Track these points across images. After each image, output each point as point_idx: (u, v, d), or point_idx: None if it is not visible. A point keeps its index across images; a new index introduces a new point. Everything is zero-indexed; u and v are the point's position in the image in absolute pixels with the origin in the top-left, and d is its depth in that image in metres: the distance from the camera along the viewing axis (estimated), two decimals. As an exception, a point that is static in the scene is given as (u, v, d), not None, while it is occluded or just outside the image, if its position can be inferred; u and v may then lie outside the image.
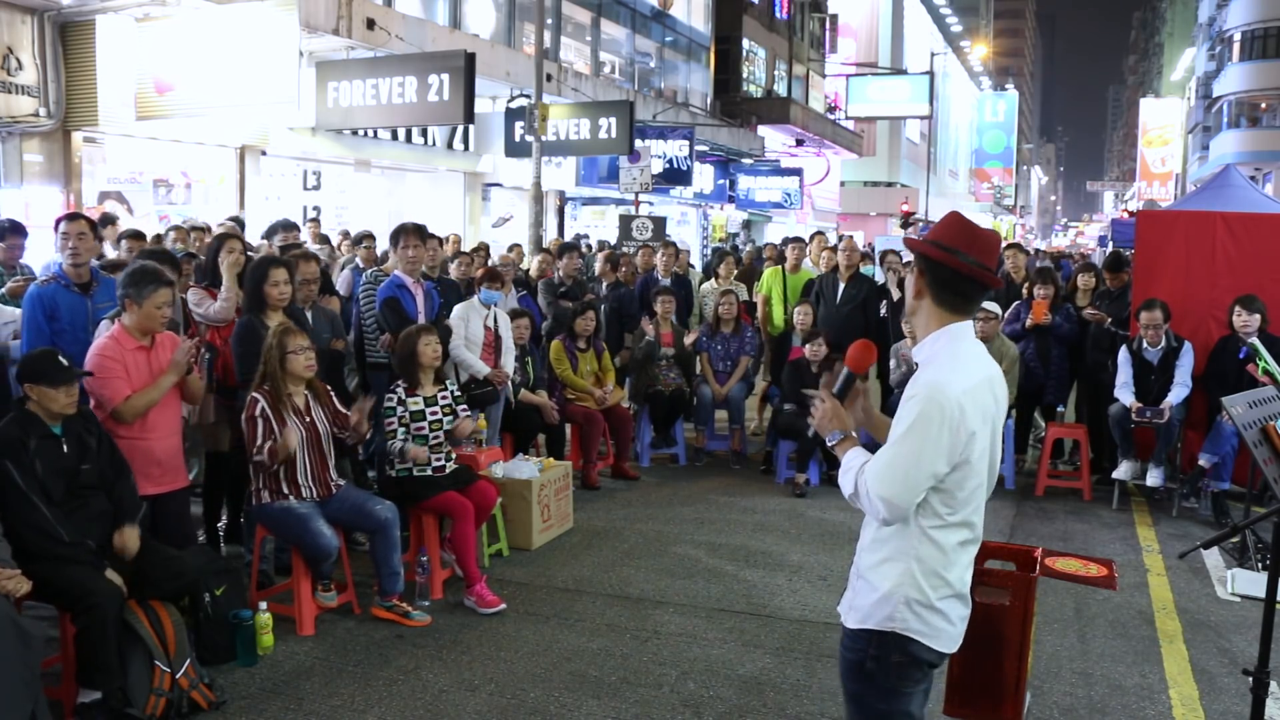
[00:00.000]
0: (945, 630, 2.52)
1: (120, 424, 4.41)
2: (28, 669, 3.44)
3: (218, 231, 7.28)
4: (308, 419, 4.88)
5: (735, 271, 10.02)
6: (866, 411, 2.76)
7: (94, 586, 3.82)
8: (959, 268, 2.48)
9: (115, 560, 4.02)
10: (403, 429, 5.33)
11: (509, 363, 6.98)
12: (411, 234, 6.31)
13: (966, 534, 2.53)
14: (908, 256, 14.53)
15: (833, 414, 2.64)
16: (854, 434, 2.64)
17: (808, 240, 10.95)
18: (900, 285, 8.89)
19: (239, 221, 9.23)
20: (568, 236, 18.53)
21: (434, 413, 5.43)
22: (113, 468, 4.19)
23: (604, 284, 9.27)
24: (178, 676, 3.92)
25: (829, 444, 2.67)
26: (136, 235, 7.11)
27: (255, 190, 13.48)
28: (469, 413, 5.63)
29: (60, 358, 4.03)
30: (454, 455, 5.58)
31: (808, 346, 7.82)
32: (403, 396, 5.38)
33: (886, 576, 2.52)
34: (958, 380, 2.42)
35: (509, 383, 6.95)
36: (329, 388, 5.10)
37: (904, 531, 2.50)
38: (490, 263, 9.38)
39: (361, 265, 7.63)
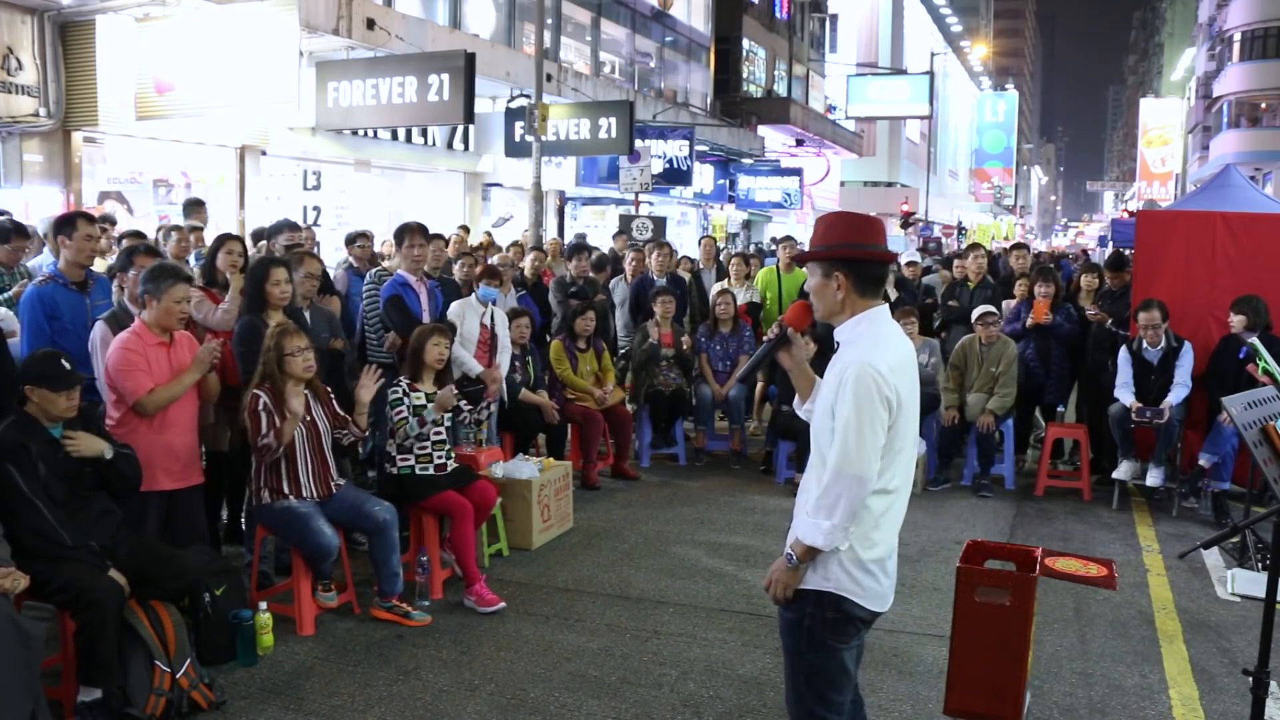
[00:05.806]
0: (875, 590, 2.76)
1: (142, 417, 4.43)
2: (28, 669, 3.44)
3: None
4: (307, 419, 4.88)
5: (747, 270, 9.87)
6: (797, 363, 2.98)
7: (95, 583, 3.82)
8: (870, 257, 2.78)
9: (117, 560, 4.02)
10: (414, 417, 5.32)
11: (505, 361, 6.98)
12: (416, 233, 6.42)
13: (891, 498, 2.76)
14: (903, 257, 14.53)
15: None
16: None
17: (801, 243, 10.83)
18: (897, 285, 8.90)
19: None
20: (567, 237, 18.52)
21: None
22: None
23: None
24: (178, 676, 3.92)
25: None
26: (136, 235, 7.10)
27: (255, 190, 13.48)
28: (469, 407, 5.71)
29: (63, 361, 4.02)
30: (454, 454, 5.58)
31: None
32: (406, 390, 5.39)
33: None
34: (884, 356, 2.67)
35: (503, 382, 6.92)
36: (329, 388, 5.11)
37: None
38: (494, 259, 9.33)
39: (354, 264, 7.60)
